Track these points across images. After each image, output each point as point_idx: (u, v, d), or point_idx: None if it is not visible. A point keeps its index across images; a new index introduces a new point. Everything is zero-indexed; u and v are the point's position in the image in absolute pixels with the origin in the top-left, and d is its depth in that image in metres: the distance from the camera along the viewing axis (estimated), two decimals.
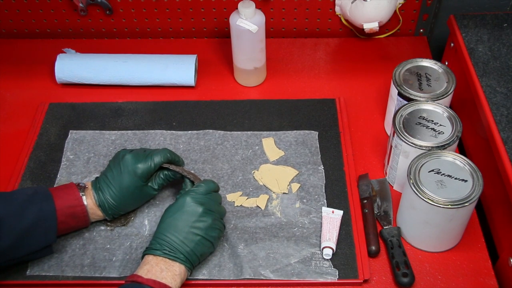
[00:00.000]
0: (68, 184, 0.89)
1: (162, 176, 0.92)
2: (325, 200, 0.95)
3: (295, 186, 0.97)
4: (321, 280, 0.85)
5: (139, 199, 0.92)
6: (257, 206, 0.94)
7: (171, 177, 0.92)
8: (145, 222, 0.92)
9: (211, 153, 1.02)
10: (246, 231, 0.91)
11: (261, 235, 0.90)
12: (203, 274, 0.86)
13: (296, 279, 0.85)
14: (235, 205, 0.95)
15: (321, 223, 0.91)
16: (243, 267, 0.86)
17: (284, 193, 0.96)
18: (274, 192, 0.96)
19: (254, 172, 0.99)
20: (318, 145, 1.03)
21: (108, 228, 0.92)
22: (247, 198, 0.95)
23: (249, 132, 1.05)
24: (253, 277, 0.85)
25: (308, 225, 0.91)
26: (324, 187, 0.96)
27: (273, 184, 0.97)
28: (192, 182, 0.90)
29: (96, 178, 0.91)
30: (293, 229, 0.91)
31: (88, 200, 0.88)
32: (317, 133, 1.05)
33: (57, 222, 0.84)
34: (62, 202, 0.85)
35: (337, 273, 0.85)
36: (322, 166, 0.99)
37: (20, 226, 0.80)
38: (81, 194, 0.87)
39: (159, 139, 1.05)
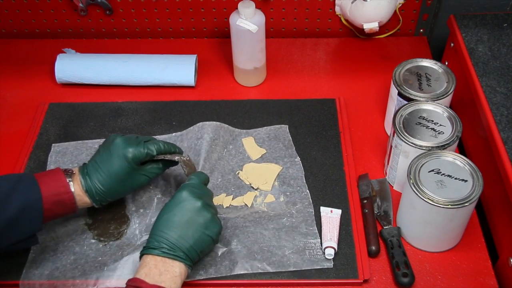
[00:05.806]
0: (54, 169, 0.84)
1: (155, 165, 0.89)
2: (307, 191, 0.95)
3: (276, 181, 0.97)
4: (317, 267, 0.85)
5: (128, 186, 0.87)
6: (245, 204, 0.94)
7: (166, 166, 0.91)
8: (136, 232, 0.91)
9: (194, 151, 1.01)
10: (237, 227, 0.91)
11: (251, 228, 0.90)
12: (200, 275, 0.85)
13: (293, 269, 0.85)
14: (224, 206, 0.94)
15: (308, 212, 0.92)
16: (239, 262, 0.86)
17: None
18: (256, 189, 0.96)
19: (238, 173, 0.99)
20: (290, 138, 1.04)
21: (100, 244, 0.89)
22: (233, 198, 0.95)
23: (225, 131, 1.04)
24: (250, 271, 0.85)
25: (296, 214, 0.92)
26: (304, 178, 0.97)
27: (260, 182, 0.97)
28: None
29: (84, 164, 0.87)
30: (282, 220, 0.91)
31: (75, 186, 0.83)
32: (287, 126, 1.06)
33: (43, 210, 0.80)
34: (48, 189, 0.80)
35: (332, 260, 0.86)
36: (298, 158, 1.00)
37: (4, 216, 0.76)
38: (68, 180, 0.83)
39: None
